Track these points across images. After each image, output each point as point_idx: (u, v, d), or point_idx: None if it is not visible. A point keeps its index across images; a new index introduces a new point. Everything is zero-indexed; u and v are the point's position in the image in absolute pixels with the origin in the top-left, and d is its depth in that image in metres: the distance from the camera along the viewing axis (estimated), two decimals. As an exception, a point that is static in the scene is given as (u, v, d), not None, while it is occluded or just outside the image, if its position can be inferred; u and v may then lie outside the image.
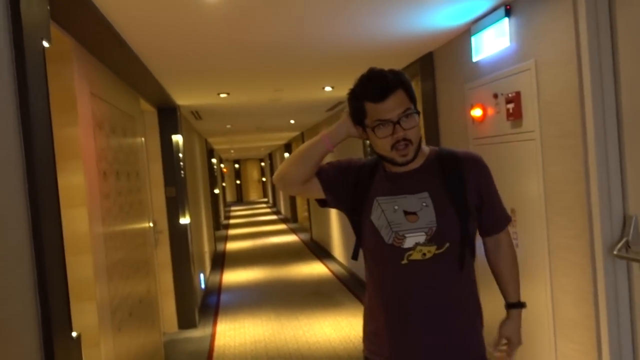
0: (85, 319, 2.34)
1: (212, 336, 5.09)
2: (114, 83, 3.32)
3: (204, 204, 8.53)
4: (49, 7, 1.67)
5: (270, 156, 20.98)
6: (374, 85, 1.51)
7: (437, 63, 3.69)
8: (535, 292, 2.52)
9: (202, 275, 6.69)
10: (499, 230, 1.68)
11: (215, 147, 13.82)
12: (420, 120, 1.58)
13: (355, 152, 5.81)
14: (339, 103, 6.32)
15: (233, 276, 8.00)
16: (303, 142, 10.82)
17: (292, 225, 13.93)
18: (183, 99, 5.11)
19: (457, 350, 1.57)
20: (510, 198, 2.60)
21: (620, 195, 2.08)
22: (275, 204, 20.37)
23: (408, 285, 1.56)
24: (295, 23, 2.88)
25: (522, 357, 2.69)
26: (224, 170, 23.09)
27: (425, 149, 1.63)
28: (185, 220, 5.25)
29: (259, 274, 7.97)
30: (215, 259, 9.58)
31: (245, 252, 10.30)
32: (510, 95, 2.62)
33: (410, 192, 1.56)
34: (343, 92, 5.44)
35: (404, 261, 1.54)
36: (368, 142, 1.74)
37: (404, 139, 1.50)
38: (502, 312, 1.70)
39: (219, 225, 14.02)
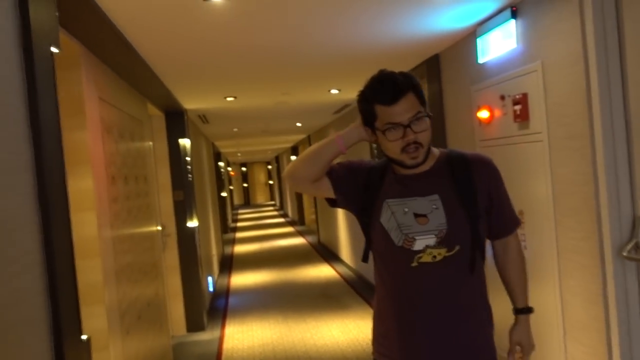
0: (94, 322, 2.36)
1: (221, 339, 5.10)
2: (122, 88, 3.35)
3: (211, 207, 8.56)
4: (57, 14, 1.69)
5: (277, 159, 21.00)
6: (385, 88, 1.50)
7: (443, 65, 3.68)
8: (544, 294, 2.51)
9: (210, 278, 6.71)
10: (507, 234, 1.67)
11: (223, 150, 13.86)
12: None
13: (362, 154, 5.81)
14: (346, 106, 6.33)
15: (241, 279, 8.01)
16: (310, 144, 10.83)
17: (300, 228, 13.93)
18: (190, 103, 5.13)
19: (467, 353, 1.57)
20: (518, 200, 2.59)
21: (629, 196, 2.06)
22: (282, 206, 20.38)
23: (418, 287, 1.55)
24: (301, 27, 2.89)
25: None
26: (231, 173, 23.15)
27: (435, 151, 1.62)
28: (193, 223, 5.26)
29: (266, 277, 7.97)
30: (223, 262, 9.60)
31: (252, 255, 10.31)
32: (517, 96, 2.61)
33: (421, 194, 1.56)
34: (349, 94, 5.46)
35: (414, 264, 1.54)
36: (375, 145, 1.74)
37: (415, 142, 1.50)
38: (512, 315, 1.70)
39: (226, 229, 14.05)
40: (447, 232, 1.52)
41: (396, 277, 1.59)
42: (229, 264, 9.50)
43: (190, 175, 5.30)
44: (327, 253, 9.55)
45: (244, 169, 27.23)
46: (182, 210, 5.19)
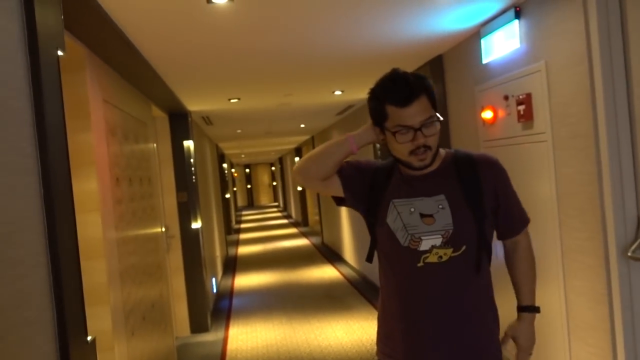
0: (99, 323, 2.36)
1: (225, 340, 5.10)
2: (126, 90, 3.36)
3: (215, 209, 8.57)
4: (62, 17, 1.70)
5: (281, 160, 21.01)
6: (398, 89, 1.49)
7: (447, 66, 3.68)
8: (549, 294, 2.50)
9: (214, 280, 6.71)
10: (516, 233, 1.66)
11: (226, 152, 13.89)
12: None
13: (365, 154, 5.81)
14: (349, 107, 6.33)
15: (245, 280, 8.01)
16: (314, 146, 10.86)
17: (303, 229, 13.93)
18: (194, 105, 5.15)
19: (472, 353, 1.56)
20: (522, 200, 2.57)
21: (634, 196, 2.06)
22: (286, 208, 20.39)
23: (424, 287, 1.55)
24: (304, 28, 2.90)
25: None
26: (235, 174, 23.19)
27: (442, 151, 1.62)
28: (196, 225, 5.28)
29: (270, 278, 7.98)
30: (227, 263, 9.61)
31: (256, 256, 10.32)
32: (521, 97, 2.61)
33: (427, 194, 1.56)
34: (353, 95, 5.47)
35: (420, 264, 1.54)
36: (379, 145, 1.74)
37: (424, 146, 1.50)
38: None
39: (230, 230, 14.06)
40: (453, 232, 1.52)
41: (402, 277, 1.59)
42: (232, 265, 9.51)
43: (194, 177, 5.31)
44: (330, 254, 9.55)
45: (247, 170, 27.26)
46: (186, 212, 5.20)
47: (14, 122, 1.35)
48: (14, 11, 1.39)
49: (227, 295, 7.14)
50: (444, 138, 3.62)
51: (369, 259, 1.66)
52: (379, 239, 1.63)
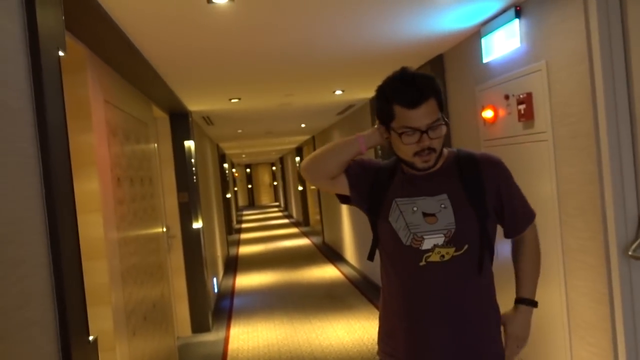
0: (100, 323, 2.37)
1: (226, 340, 5.11)
2: (127, 90, 3.36)
3: (216, 209, 8.58)
4: (63, 17, 1.70)
5: (282, 160, 21.01)
6: (407, 91, 1.48)
7: (448, 65, 3.68)
8: (550, 294, 2.50)
9: (215, 280, 6.72)
10: (521, 231, 1.65)
11: (227, 152, 13.89)
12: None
13: (366, 153, 5.79)
14: (350, 106, 6.33)
15: (246, 280, 8.02)
16: (314, 146, 10.86)
17: (304, 229, 13.94)
18: (195, 105, 5.15)
19: (474, 352, 1.56)
20: (523, 199, 2.59)
21: (635, 195, 2.06)
22: (286, 207, 20.40)
23: (426, 286, 1.56)
24: (305, 28, 2.90)
25: (536, 359, 2.67)
26: (236, 174, 23.19)
27: (444, 151, 1.62)
28: (197, 225, 5.28)
29: (271, 278, 7.98)
30: (228, 263, 9.62)
31: (257, 256, 10.33)
32: (521, 96, 2.61)
33: (429, 194, 1.56)
34: (354, 95, 5.47)
35: (422, 263, 1.54)
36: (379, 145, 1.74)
37: (429, 148, 1.50)
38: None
39: (231, 230, 14.07)
40: (455, 231, 1.52)
41: (404, 276, 1.59)
42: (233, 265, 9.52)
43: (195, 177, 5.32)
44: (331, 254, 9.55)
45: (248, 170, 27.27)
46: (187, 212, 5.20)
47: (15, 123, 1.35)
48: (15, 12, 1.40)
49: (228, 295, 7.14)
50: (445, 137, 3.61)
51: (371, 257, 1.66)
52: (381, 237, 1.63)
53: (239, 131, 8.56)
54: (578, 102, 2.22)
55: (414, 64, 3.99)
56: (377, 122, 1.61)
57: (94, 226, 2.41)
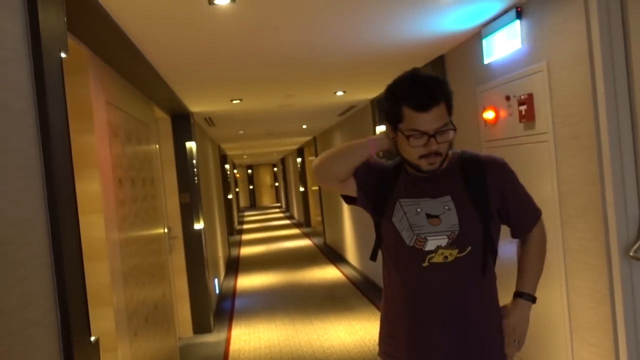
0: (102, 324, 2.37)
1: (227, 341, 5.11)
2: (129, 91, 3.37)
3: (217, 210, 8.59)
4: (65, 19, 1.71)
5: (283, 161, 21.02)
6: (418, 94, 1.47)
7: (449, 66, 3.68)
8: (550, 294, 2.50)
9: (216, 280, 6.72)
10: (528, 231, 1.65)
11: (229, 153, 13.91)
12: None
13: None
14: (351, 107, 6.33)
15: (247, 281, 8.02)
16: (315, 147, 10.87)
17: (306, 230, 13.94)
18: (196, 106, 5.16)
19: (476, 354, 1.56)
20: (524, 200, 2.58)
21: (636, 196, 2.06)
22: (288, 208, 20.40)
23: (428, 287, 1.56)
24: (306, 29, 2.91)
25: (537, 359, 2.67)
26: (237, 175, 23.21)
27: (449, 152, 1.62)
28: (199, 225, 5.29)
29: (273, 279, 7.99)
30: (230, 264, 9.63)
31: (259, 257, 10.33)
32: (522, 97, 2.61)
33: (433, 195, 1.56)
34: (355, 96, 5.47)
35: (425, 263, 1.54)
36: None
37: (435, 152, 1.50)
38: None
39: (232, 231, 14.08)
40: (459, 233, 1.52)
41: (406, 277, 1.59)
42: (235, 266, 9.52)
43: (196, 178, 5.32)
44: (333, 255, 9.55)
45: (249, 171, 27.28)
46: (188, 213, 5.21)
47: (17, 125, 1.36)
48: (18, 14, 1.40)
49: (229, 296, 7.15)
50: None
51: (373, 257, 1.66)
52: (384, 238, 1.63)
53: (241, 132, 8.57)
54: (579, 102, 2.22)
55: (415, 65, 3.97)
56: (385, 124, 1.60)
57: (95, 227, 2.42)
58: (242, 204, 25.93)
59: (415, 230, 1.54)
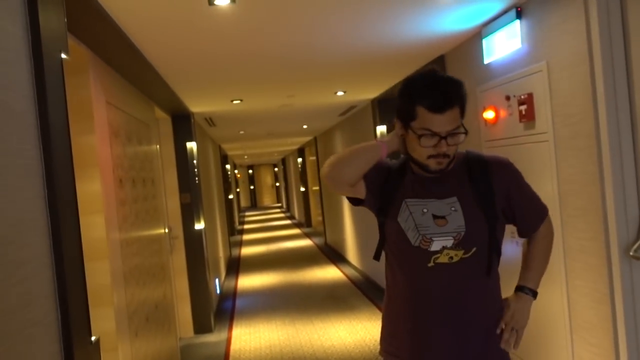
0: (103, 324, 2.38)
1: (228, 341, 5.11)
2: (129, 92, 3.38)
3: (218, 210, 8.59)
4: (66, 20, 1.71)
5: (284, 161, 21.03)
6: (435, 96, 1.47)
7: (449, 66, 3.68)
8: (551, 294, 2.50)
9: (217, 280, 6.73)
10: (535, 229, 1.65)
11: (229, 153, 13.91)
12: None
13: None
14: (352, 107, 6.34)
15: (248, 281, 8.03)
16: (316, 147, 10.87)
17: (306, 230, 13.94)
18: (197, 106, 5.16)
19: (479, 353, 1.56)
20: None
21: (636, 195, 2.06)
22: (289, 208, 20.41)
23: (433, 287, 1.56)
24: (306, 29, 2.91)
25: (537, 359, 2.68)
26: (238, 175, 23.21)
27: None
28: (200, 226, 5.29)
29: (273, 279, 7.99)
30: (230, 264, 9.63)
31: (259, 257, 10.33)
32: (522, 97, 2.61)
33: (439, 196, 1.56)
34: (355, 96, 5.47)
35: (431, 264, 1.54)
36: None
37: (444, 154, 1.50)
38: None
39: (233, 231, 14.08)
40: (465, 234, 1.52)
41: (411, 277, 1.59)
42: (236, 266, 9.53)
43: (197, 178, 5.33)
44: (333, 254, 9.56)
45: (250, 171, 27.29)
46: (189, 213, 5.21)
47: (18, 125, 1.36)
48: (18, 15, 1.41)
49: (230, 296, 7.15)
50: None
51: (377, 257, 1.66)
52: (388, 237, 1.63)
53: (241, 132, 8.58)
54: (579, 102, 2.22)
55: (415, 65, 4.00)
56: (395, 121, 1.59)
57: (96, 227, 2.42)
58: (243, 204, 25.94)
59: (421, 230, 1.54)
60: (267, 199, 27.94)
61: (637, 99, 2.02)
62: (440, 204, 1.55)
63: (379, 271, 6.59)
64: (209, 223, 6.42)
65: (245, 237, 14.04)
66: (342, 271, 8.04)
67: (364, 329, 5.06)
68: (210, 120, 6.41)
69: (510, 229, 1.69)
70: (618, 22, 2.04)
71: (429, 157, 1.51)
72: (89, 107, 2.45)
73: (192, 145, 5.27)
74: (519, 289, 1.64)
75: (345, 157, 1.62)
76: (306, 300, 6.47)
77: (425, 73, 1.53)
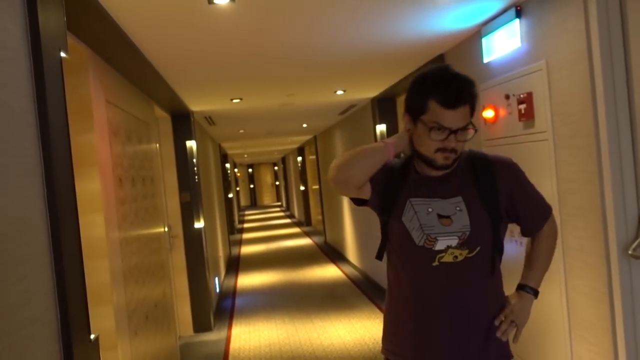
0: (102, 322, 2.38)
1: (227, 339, 5.12)
2: (129, 90, 3.38)
3: (218, 209, 8.59)
4: (65, 19, 1.71)
5: (284, 160, 21.03)
6: (449, 91, 1.48)
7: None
8: (550, 292, 2.51)
9: (216, 279, 6.73)
10: (539, 229, 1.66)
11: (229, 152, 13.91)
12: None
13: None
14: (351, 106, 6.34)
15: (247, 280, 8.03)
16: (316, 145, 10.88)
17: (306, 229, 13.95)
18: (196, 105, 5.16)
19: (483, 352, 1.57)
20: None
21: (635, 194, 2.06)
22: (288, 207, 20.41)
23: (438, 286, 1.55)
24: (306, 28, 2.91)
25: (536, 359, 2.68)
26: (238, 174, 23.21)
27: None
28: (199, 224, 5.29)
29: (273, 278, 8.00)
30: (230, 263, 9.64)
31: (259, 256, 10.34)
32: (522, 96, 2.61)
33: (444, 196, 1.56)
34: (355, 95, 5.48)
35: (435, 263, 1.54)
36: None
37: (452, 149, 1.51)
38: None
39: (233, 230, 14.09)
40: (470, 234, 1.52)
41: (415, 276, 1.59)
42: (235, 264, 9.53)
43: (196, 177, 5.33)
44: (333, 253, 9.56)
45: (250, 170, 27.30)
46: (188, 212, 5.22)
47: (17, 124, 1.36)
48: (17, 13, 1.41)
49: (230, 294, 7.16)
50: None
51: (379, 257, 1.65)
52: (392, 237, 1.62)
53: (241, 131, 8.58)
54: (578, 101, 2.22)
55: (415, 64, 4.00)
56: (404, 114, 1.59)
57: (95, 226, 2.42)
58: (243, 202, 25.94)
59: (426, 230, 1.54)
60: (267, 197, 27.94)
61: (636, 98, 2.02)
62: (444, 204, 1.55)
63: (378, 270, 6.60)
64: (209, 222, 6.42)
65: (245, 235, 14.04)
66: (341, 270, 8.05)
67: (363, 327, 5.06)
68: (210, 119, 6.41)
69: (509, 227, 1.69)
70: (617, 21, 2.04)
71: (437, 150, 1.51)
72: (89, 106, 2.45)
73: (191, 144, 5.27)
74: (521, 287, 1.64)
75: (352, 159, 1.59)
76: (306, 299, 6.47)
77: (439, 69, 1.54)
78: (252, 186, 27.55)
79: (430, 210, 1.55)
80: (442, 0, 2.57)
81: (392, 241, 1.63)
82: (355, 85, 4.84)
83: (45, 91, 1.46)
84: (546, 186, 2.50)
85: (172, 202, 5.10)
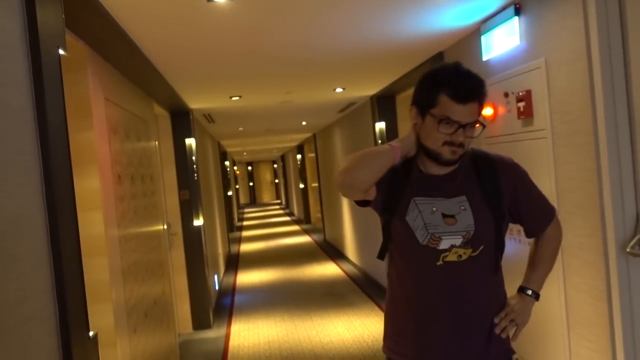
0: (101, 320, 2.38)
1: (227, 337, 5.13)
2: (128, 88, 3.37)
3: (217, 206, 8.60)
4: (64, 16, 1.71)
5: (283, 158, 21.03)
6: (461, 86, 1.48)
7: (448, 63, 3.68)
8: (548, 290, 2.51)
9: (216, 277, 6.74)
10: (542, 230, 1.66)
11: (228, 149, 13.91)
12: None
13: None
14: (351, 104, 6.34)
15: (247, 277, 8.04)
16: (315, 143, 10.88)
17: (305, 227, 13.96)
18: (195, 103, 5.16)
19: (484, 352, 1.57)
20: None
21: (633, 192, 2.07)
22: (288, 205, 20.42)
23: (442, 285, 1.55)
24: (305, 26, 2.91)
25: (535, 356, 2.68)
26: (237, 172, 23.21)
27: None
28: (199, 222, 5.29)
29: (272, 275, 8.00)
30: (229, 261, 9.64)
31: (258, 254, 10.35)
32: (520, 93, 2.61)
33: (448, 195, 1.56)
34: (354, 93, 5.47)
35: (440, 262, 1.54)
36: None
37: (460, 144, 1.51)
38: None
39: (232, 227, 14.09)
40: (474, 233, 1.52)
41: (418, 275, 1.58)
42: (235, 262, 9.54)
43: (196, 175, 5.33)
44: (332, 251, 9.57)
45: (249, 168, 27.29)
46: (188, 209, 5.22)
47: (16, 121, 1.36)
48: (16, 11, 1.41)
49: (229, 292, 7.16)
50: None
51: (381, 256, 1.65)
52: (394, 237, 1.61)
53: (240, 129, 8.57)
54: (577, 99, 2.23)
55: (414, 62, 4.00)
56: (411, 108, 1.59)
57: (94, 223, 2.42)
58: (242, 200, 25.94)
59: (430, 229, 1.54)
60: (266, 195, 27.94)
61: (634, 96, 2.03)
62: (448, 203, 1.55)
63: (377, 268, 6.61)
64: (208, 219, 6.42)
65: (244, 233, 14.05)
66: (340, 268, 8.06)
67: (362, 325, 5.07)
68: (209, 117, 6.40)
69: (509, 226, 1.69)
70: (616, 19, 2.04)
71: (444, 143, 1.51)
72: (88, 104, 2.45)
73: (191, 142, 5.27)
74: (522, 290, 1.65)
75: (358, 162, 1.57)
76: (305, 296, 6.48)
77: (452, 65, 1.55)
78: (251, 184, 27.54)
79: (434, 209, 1.55)
80: (441, -2, 2.57)
81: (395, 241, 1.62)
82: (355, 83, 4.84)
83: (43, 89, 1.46)
84: (545, 184, 2.51)
85: (171, 199, 5.10)
